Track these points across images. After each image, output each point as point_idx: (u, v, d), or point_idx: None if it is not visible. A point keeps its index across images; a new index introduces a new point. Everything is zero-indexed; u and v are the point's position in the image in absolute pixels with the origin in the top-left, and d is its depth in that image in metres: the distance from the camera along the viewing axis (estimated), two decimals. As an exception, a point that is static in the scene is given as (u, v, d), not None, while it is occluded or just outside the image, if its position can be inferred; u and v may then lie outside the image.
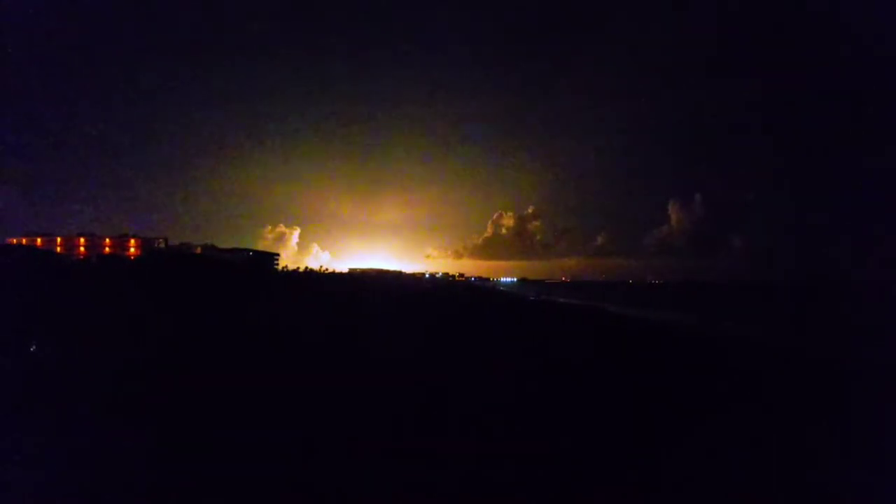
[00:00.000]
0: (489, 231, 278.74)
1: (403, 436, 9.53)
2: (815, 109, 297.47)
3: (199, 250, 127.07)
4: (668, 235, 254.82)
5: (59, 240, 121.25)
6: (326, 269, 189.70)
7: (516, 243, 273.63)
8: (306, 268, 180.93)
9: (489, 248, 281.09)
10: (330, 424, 10.07)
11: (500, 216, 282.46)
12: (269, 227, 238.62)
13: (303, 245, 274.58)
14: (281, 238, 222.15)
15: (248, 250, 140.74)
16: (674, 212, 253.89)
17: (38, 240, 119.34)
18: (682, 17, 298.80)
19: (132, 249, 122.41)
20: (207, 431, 9.54)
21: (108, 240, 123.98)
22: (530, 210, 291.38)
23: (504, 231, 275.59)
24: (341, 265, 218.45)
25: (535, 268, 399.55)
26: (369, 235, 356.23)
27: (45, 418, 10.06)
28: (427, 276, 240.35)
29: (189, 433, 9.43)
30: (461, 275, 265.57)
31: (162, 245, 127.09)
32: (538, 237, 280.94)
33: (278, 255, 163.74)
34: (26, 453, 8.37)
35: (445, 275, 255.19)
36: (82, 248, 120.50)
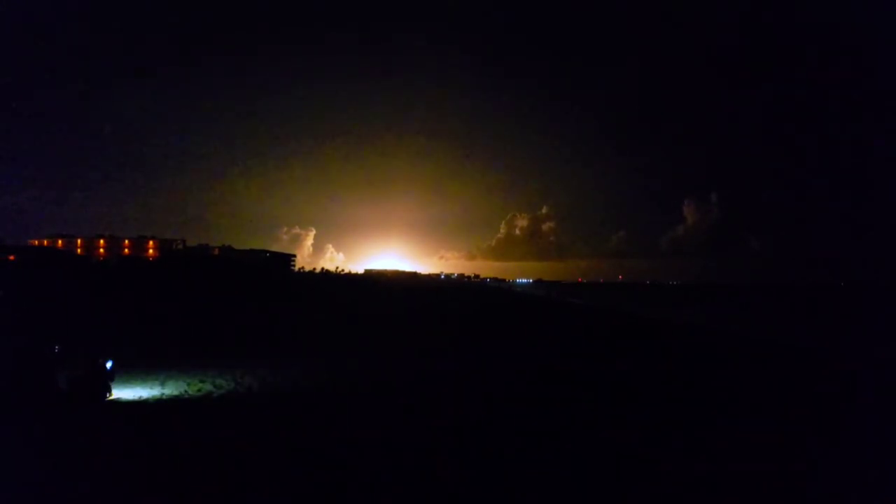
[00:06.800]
0: (503, 232, 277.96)
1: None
2: (833, 110, 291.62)
3: (216, 251, 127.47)
4: (683, 235, 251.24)
5: (79, 241, 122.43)
6: (342, 270, 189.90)
7: (530, 244, 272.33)
8: (322, 269, 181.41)
9: (503, 250, 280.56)
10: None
11: (514, 217, 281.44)
12: (285, 229, 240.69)
13: (318, 246, 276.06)
14: (297, 239, 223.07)
15: (264, 251, 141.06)
16: (689, 212, 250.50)
17: (60, 241, 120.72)
18: (700, 19, 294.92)
19: (151, 251, 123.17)
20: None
21: (126, 241, 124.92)
22: (544, 211, 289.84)
23: (518, 232, 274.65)
24: (355, 266, 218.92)
25: (549, 269, 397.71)
26: (383, 237, 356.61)
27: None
28: (442, 276, 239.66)
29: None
30: (476, 275, 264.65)
31: (180, 247, 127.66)
32: (552, 238, 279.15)
33: (295, 255, 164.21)
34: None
35: (460, 275, 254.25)
36: (102, 250, 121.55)
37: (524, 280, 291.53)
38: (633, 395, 13.53)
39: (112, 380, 12.21)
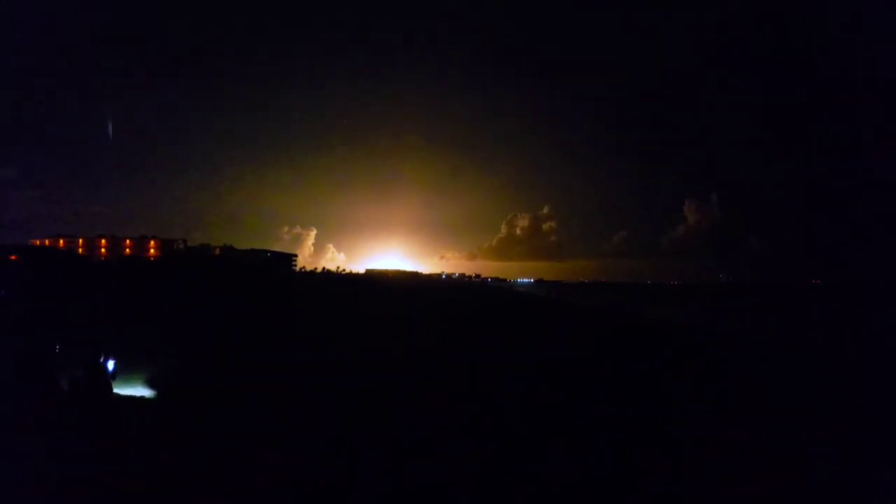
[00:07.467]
0: (503, 232, 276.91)
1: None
2: (833, 109, 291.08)
3: (218, 251, 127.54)
4: (684, 235, 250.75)
5: (80, 241, 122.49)
6: (344, 270, 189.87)
7: (531, 244, 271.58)
8: (324, 268, 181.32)
9: (503, 250, 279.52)
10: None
11: (515, 217, 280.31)
12: (286, 228, 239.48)
13: (319, 246, 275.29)
14: (298, 239, 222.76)
15: (266, 251, 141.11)
16: (690, 211, 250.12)
17: (61, 241, 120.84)
18: (702, 16, 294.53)
19: (152, 251, 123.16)
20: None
21: (128, 241, 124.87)
22: (545, 210, 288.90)
23: (518, 232, 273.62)
24: (356, 266, 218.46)
25: (549, 269, 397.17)
26: (384, 237, 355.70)
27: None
28: (444, 276, 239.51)
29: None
30: (477, 275, 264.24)
31: (181, 246, 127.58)
32: (552, 238, 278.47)
33: (296, 255, 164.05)
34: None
35: (461, 275, 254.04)
36: (103, 250, 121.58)
37: (525, 280, 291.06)
38: (633, 394, 13.56)
39: (114, 379, 12.25)
